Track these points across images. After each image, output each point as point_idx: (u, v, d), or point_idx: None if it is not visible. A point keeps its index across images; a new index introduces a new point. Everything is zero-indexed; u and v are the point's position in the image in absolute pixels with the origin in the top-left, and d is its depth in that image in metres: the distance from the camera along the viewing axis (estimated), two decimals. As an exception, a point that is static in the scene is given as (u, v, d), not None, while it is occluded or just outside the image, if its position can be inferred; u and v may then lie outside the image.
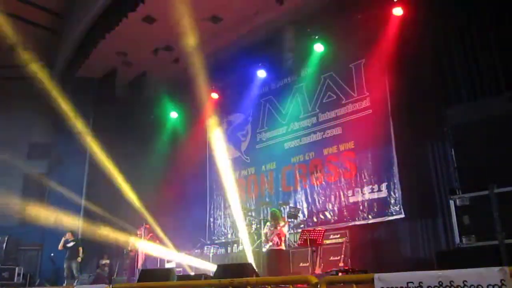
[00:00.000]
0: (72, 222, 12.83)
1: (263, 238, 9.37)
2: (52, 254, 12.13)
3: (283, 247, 8.89)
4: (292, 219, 10.24)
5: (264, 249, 9.14)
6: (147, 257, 11.11)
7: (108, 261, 12.43)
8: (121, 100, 14.22)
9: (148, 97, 14.17)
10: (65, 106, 12.67)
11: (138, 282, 6.74)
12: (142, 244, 11.02)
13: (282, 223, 9.08)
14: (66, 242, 11.69)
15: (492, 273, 2.59)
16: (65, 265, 11.48)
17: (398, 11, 9.33)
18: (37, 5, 12.03)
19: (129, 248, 11.32)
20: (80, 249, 11.65)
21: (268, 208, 10.81)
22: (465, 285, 2.62)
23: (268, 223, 9.44)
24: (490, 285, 2.55)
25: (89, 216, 13.24)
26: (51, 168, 14.21)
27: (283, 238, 8.96)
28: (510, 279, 2.54)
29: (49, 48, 13.41)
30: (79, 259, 11.61)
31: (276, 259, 8.68)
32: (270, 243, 8.87)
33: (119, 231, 12.04)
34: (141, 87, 14.10)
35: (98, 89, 14.13)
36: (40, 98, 12.13)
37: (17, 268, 11.83)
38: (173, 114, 14.05)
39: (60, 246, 11.64)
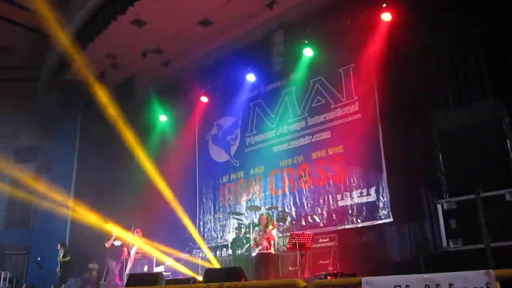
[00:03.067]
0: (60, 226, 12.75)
1: (252, 242, 9.37)
2: (39, 258, 11.98)
3: (272, 251, 8.90)
4: (281, 223, 10.25)
5: (253, 253, 9.13)
6: (137, 262, 11.02)
7: (97, 266, 12.30)
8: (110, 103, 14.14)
9: (137, 100, 14.11)
10: (53, 109, 12.60)
11: (126, 287, 6.70)
12: (132, 248, 10.93)
13: (271, 227, 9.09)
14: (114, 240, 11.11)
15: (478, 276, 2.61)
16: (108, 264, 11.05)
17: (386, 17, 9.42)
18: (26, 7, 11.94)
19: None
20: (125, 250, 11.07)
21: (257, 212, 10.82)
22: (451, 288, 2.65)
23: (256, 228, 9.45)
24: (475, 288, 2.59)
25: (77, 220, 13.14)
26: (39, 172, 14.08)
27: (272, 242, 8.97)
28: (495, 282, 2.57)
29: (38, 51, 13.31)
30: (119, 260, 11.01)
31: (265, 263, 8.68)
32: (260, 247, 8.88)
33: (108, 235, 11.96)
34: (130, 90, 14.04)
35: (87, 92, 14.03)
36: (28, 101, 12.05)
37: (3, 273, 11.67)
38: (162, 118, 14.01)
39: (108, 244, 11.01)
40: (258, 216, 10.15)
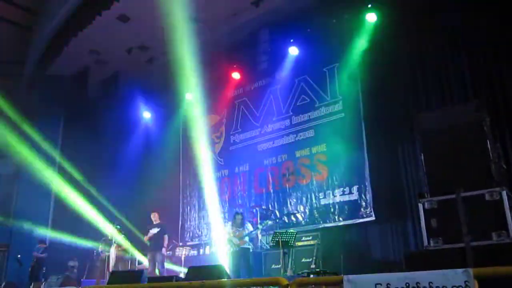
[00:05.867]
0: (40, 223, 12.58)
1: (232, 239, 9.37)
2: (19, 256, 11.81)
3: (249, 247, 8.91)
4: (264, 221, 10.28)
5: (232, 249, 9.14)
6: (119, 259, 10.91)
7: (76, 263, 12.18)
8: (93, 99, 14.01)
9: (121, 97, 14.00)
10: (35, 104, 12.41)
11: (108, 284, 6.64)
12: (113, 245, 10.81)
13: (249, 226, 9.11)
14: (150, 227, 10.38)
15: (457, 275, 2.66)
16: (148, 257, 10.22)
17: (371, 17, 9.50)
18: (9, 0, 11.76)
19: (100, 250, 11.12)
20: (166, 237, 10.30)
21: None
22: (430, 286, 2.68)
23: (230, 224, 9.43)
24: (454, 286, 2.62)
25: (58, 217, 12.99)
26: (19, 167, 13.85)
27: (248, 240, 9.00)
28: (473, 280, 2.61)
29: (20, 45, 13.11)
30: (164, 251, 10.16)
31: (244, 259, 8.72)
32: (238, 243, 8.88)
33: (89, 233, 11.85)
34: (114, 87, 13.91)
35: (70, 87, 13.87)
36: (8, 96, 11.87)
37: (-18, 270, 11.49)
38: (146, 114, 13.92)
39: (146, 237, 10.26)
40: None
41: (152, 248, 10.18)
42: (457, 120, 4.77)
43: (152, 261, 10.09)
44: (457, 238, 4.27)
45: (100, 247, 11.03)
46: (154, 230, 10.31)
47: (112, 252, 10.52)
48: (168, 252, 10.92)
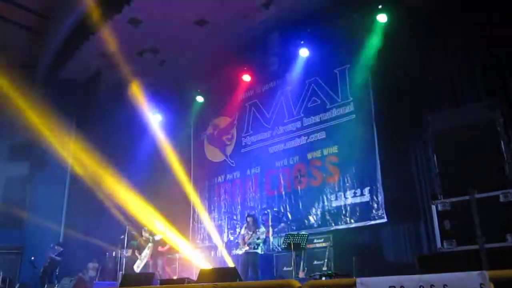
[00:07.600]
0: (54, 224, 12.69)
1: (240, 240, 9.38)
2: (32, 258, 11.92)
3: (259, 251, 8.89)
4: (276, 223, 10.26)
5: (240, 252, 9.13)
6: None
7: (97, 265, 12.25)
8: (105, 102, 14.09)
9: (133, 100, 14.06)
10: (47, 108, 12.53)
11: (120, 287, 6.68)
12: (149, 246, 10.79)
13: (262, 229, 9.08)
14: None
15: (472, 277, 2.63)
16: (151, 263, 10.45)
17: (382, 18, 9.46)
18: (21, 5, 11.89)
19: (124, 253, 11.13)
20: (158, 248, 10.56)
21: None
22: (445, 289, 2.66)
23: (245, 225, 9.42)
24: (469, 289, 2.60)
25: (71, 219, 13.09)
26: (33, 170, 14.00)
27: (261, 244, 8.97)
28: (489, 283, 2.58)
29: (32, 49, 13.25)
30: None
31: (251, 262, 8.71)
32: (247, 248, 8.88)
33: (103, 234, 11.92)
34: (125, 90, 13.98)
35: (82, 91, 13.98)
36: (21, 99, 11.99)
37: (-4, 273, 11.62)
38: (158, 117, 13.97)
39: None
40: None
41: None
42: (469, 120, 4.71)
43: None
44: (471, 240, 4.22)
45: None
46: (158, 237, 10.61)
47: (148, 253, 10.48)
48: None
